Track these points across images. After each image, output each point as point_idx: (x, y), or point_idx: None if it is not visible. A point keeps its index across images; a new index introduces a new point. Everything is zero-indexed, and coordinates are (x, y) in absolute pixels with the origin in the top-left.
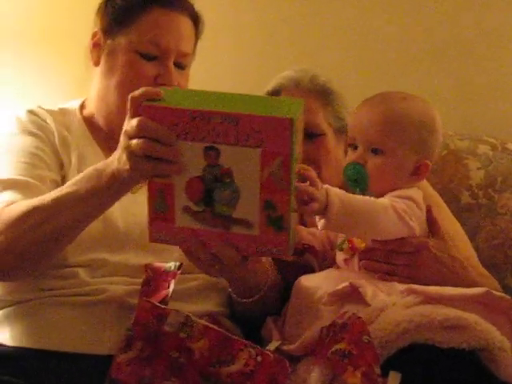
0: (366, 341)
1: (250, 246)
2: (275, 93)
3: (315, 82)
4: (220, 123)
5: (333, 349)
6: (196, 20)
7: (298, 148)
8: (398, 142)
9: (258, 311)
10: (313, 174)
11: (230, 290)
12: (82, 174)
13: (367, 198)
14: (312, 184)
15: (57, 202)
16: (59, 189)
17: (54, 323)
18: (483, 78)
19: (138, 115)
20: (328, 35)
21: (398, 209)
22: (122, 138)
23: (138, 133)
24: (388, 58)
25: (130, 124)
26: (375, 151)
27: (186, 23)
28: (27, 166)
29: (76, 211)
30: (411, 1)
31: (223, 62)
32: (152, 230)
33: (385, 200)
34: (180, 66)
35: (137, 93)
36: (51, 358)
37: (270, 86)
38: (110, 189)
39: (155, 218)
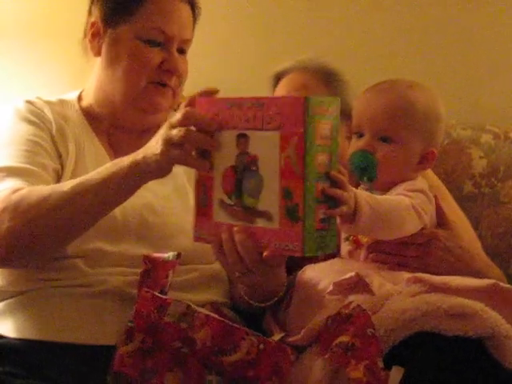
0: (370, 334)
1: (271, 242)
2: (281, 73)
3: (320, 63)
4: (249, 108)
5: (336, 341)
6: (194, 6)
7: (336, 148)
8: (408, 130)
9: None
10: (343, 177)
11: (242, 293)
12: (99, 169)
13: (391, 199)
14: (341, 187)
15: (74, 188)
16: (76, 179)
17: (55, 314)
18: (486, 68)
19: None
20: (329, 23)
21: (417, 207)
22: (164, 130)
23: (182, 122)
24: (390, 48)
25: (176, 116)
26: (384, 139)
27: (186, 10)
28: (28, 153)
29: (94, 198)
30: None
31: (223, 53)
32: (196, 227)
33: (405, 199)
34: (181, 52)
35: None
36: (53, 348)
37: (273, 72)
38: (129, 176)
39: (199, 213)
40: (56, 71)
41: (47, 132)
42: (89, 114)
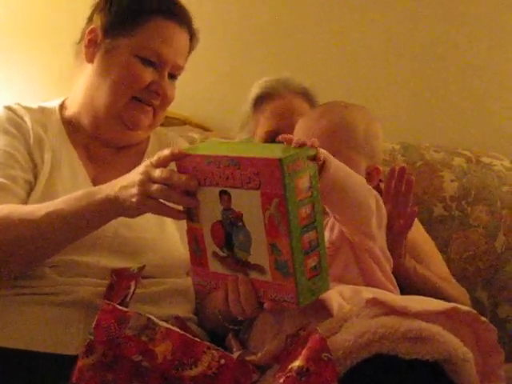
0: (326, 358)
1: (266, 293)
2: (266, 95)
3: (301, 85)
4: (227, 167)
5: (292, 365)
6: (192, 36)
7: (318, 192)
8: (350, 149)
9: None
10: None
11: (218, 315)
12: (74, 194)
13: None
14: None
15: (45, 217)
16: (49, 204)
17: (21, 321)
18: (460, 92)
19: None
20: (316, 38)
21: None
22: (141, 177)
23: (163, 180)
24: (364, 67)
25: (158, 172)
26: None
27: (185, 38)
28: (1, 165)
29: (64, 228)
30: (391, 12)
31: (214, 64)
32: (194, 274)
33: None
34: (172, 77)
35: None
36: (16, 356)
37: (255, 91)
38: (100, 211)
39: (194, 262)
40: (40, 75)
41: (23, 142)
42: (69, 124)
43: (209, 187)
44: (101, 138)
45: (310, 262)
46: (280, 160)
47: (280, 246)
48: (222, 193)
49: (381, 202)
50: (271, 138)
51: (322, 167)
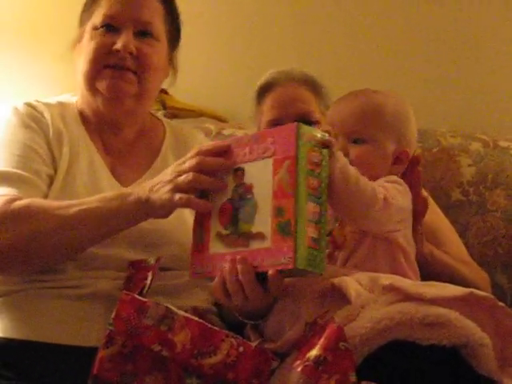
0: (343, 348)
1: (263, 261)
2: (268, 86)
3: (305, 74)
4: (246, 144)
5: (309, 354)
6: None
7: (326, 178)
8: (378, 130)
9: None
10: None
11: (235, 313)
12: (107, 194)
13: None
14: None
15: (79, 214)
16: (82, 201)
17: (42, 315)
18: (476, 76)
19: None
20: (326, 29)
21: (389, 199)
22: (170, 176)
23: (192, 168)
24: (381, 54)
25: (185, 164)
26: (356, 141)
27: None
28: (22, 158)
29: (96, 227)
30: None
31: (218, 58)
32: (192, 262)
33: (380, 189)
34: (144, 34)
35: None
36: (39, 349)
37: (260, 82)
38: (133, 212)
39: (195, 249)
40: (47, 74)
41: (44, 136)
42: (83, 116)
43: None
44: (104, 123)
45: (310, 230)
46: (297, 124)
47: (284, 207)
48: (236, 170)
49: (391, 199)
50: (274, 126)
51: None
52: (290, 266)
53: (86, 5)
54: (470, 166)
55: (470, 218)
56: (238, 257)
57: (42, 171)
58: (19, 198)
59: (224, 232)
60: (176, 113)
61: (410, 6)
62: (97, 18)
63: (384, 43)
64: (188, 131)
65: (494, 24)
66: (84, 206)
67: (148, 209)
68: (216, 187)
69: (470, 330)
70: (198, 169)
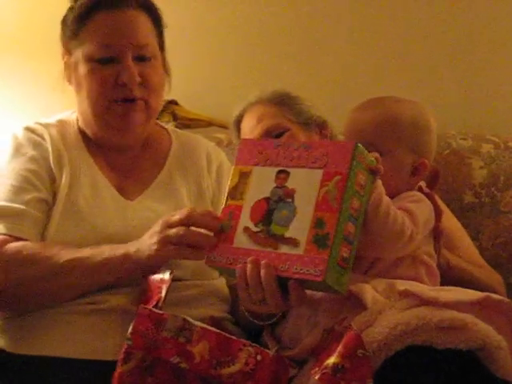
0: (361, 355)
1: (291, 267)
2: (240, 116)
3: (268, 93)
4: (296, 149)
5: (327, 361)
6: (150, 10)
7: (366, 201)
8: (396, 142)
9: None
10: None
11: (245, 313)
12: (99, 247)
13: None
14: None
15: (68, 264)
16: (74, 250)
17: (58, 330)
18: (485, 77)
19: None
20: (327, 35)
21: (414, 236)
22: (160, 228)
23: (182, 222)
24: (390, 59)
25: (175, 216)
26: None
27: (135, 16)
28: (15, 189)
29: (85, 278)
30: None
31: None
32: (212, 251)
33: (408, 226)
34: (142, 59)
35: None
36: (54, 364)
37: (233, 116)
38: (121, 265)
39: (218, 239)
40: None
41: (43, 160)
42: (84, 134)
43: (267, 167)
44: (109, 146)
45: (344, 249)
46: (356, 144)
47: (326, 220)
48: (280, 172)
49: (416, 234)
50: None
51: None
52: (319, 279)
53: (71, 30)
54: (481, 168)
55: (483, 220)
56: (263, 261)
57: (33, 199)
58: (11, 240)
59: (254, 229)
60: (187, 123)
61: (419, 8)
62: (91, 48)
63: (391, 45)
64: (194, 138)
65: (505, 26)
66: (74, 256)
67: (137, 260)
68: (207, 244)
69: (486, 333)
70: (187, 223)
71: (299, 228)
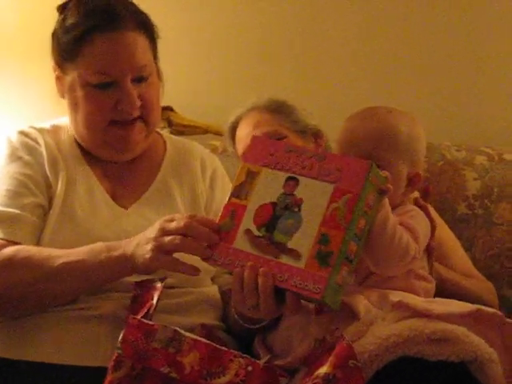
0: (352, 365)
1: (290, 278)
2: (234, 124)
3: (264, 100)
4: (309, 158)
5: (318, 371)
6: (145, 26)
7: (371, 221)
8: (393, 154)
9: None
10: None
11: (235, 315)
12: (95, 245)
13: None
14: None
15: (63, 267)
16: (69, 252)
17: (47, 336)
18: (480, 89)
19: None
20: (325, 43)
21: (416, 255)
22: (156, 232)
23: (179, 231)
24: (384, 68)
25: (173, 224)
26: None
27: (133, 38)
28: (11, 193)
29: (80, 280)
30: (408, 11)
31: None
32: (209, 248)
33: (413, 245)
34: (140, 80)
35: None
36: (47, 370)
37: (227, 124)
38: (116, 267)
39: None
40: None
41: (37, 165)
42: (80, 144)
43: (277, 171)
44: (100, 157)
45: (344, 268)
46: (371, 163)
47: (331, 238)
48: (290, 179)
49: (418, 254)
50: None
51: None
52: (318, 297)
53: (65, 52)
54: (475, 179)
55: (476, 231)
56: (262, 269)
57: (31, 204)
58: (6, 245)
59: (256, 233)
60: (182, 130)
61: (415, 19)
62: (88, 73)
63: (387, 56)
64: (189, 144)
65: (500, 37)
66: (70, 259)
67: (132, 264)
68: (202, 256)
69: (478, 345)
70: (184, 232)
71: (303, 240)
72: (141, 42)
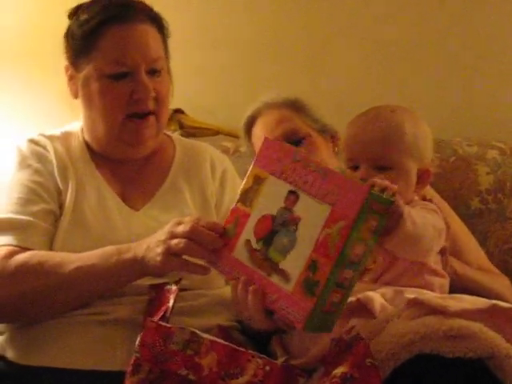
0: (369, 364)
1: (278, 301)
2: (251, 120)
3: (284, 97)
4: (313, 172)
5: (336, 371)
6: (157, 21)
7: (373, 245)
8: (403, 153)
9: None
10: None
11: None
12: (106, 249)
13: (428, 217)
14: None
15: (75, 273)
16: (80, 256)
17: (65, 342)
18: (491, 84)
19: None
20: (334, 37)
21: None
22: (166, 235)
23: (185, 235)
24: (394, 64)
25: (180, 227)
26: (380, 168)
27: (146, 30)
28: (22, 201)
29: (92, 284)
30: (417, 6)
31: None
32: (213, 252)
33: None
34: (154, 73)
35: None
36: (64, 375)
37: (244, 119)
38: (128, 270)
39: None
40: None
41: (47, 172)
42: (90, 148)
43: (281, 181)
44: (116, 159)
45: (334, 295)
46: (369, 188)
47: (320, 266)
48: (291, 193)
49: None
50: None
51: (398, 222)
52: (299, 326)
53: (79, 46)
54: (487, 174)
55: (490, 226)
56: (252, 287)
57: (41, 211)
58: (19, 251)
59: (254, 245)
60: (193, 132)
61: (424, 17)
62: (103, 64)
63: (397, 53)
64: (198, 146)
65: (510, 33)
66: (81, 263)
67: (143, 267)
68: (206, 260)
69: (495, 341)
70: (189, 236)
71: (294, 263)
72: (153, 35)
